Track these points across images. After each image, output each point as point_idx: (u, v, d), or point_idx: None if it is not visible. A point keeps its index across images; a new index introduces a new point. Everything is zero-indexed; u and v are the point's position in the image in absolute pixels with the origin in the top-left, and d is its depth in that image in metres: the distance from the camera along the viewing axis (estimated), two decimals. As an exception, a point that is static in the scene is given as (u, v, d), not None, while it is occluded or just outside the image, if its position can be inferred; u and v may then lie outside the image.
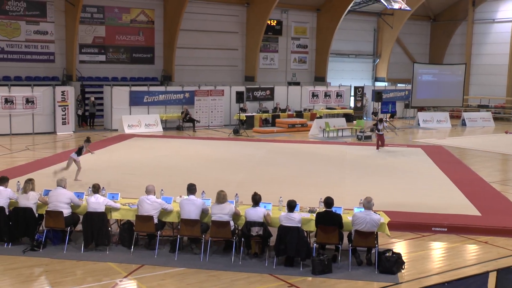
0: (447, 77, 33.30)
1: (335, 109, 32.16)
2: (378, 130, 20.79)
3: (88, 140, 14.84)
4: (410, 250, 9.99)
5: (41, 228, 9.81)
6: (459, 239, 10.57)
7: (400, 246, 10.14)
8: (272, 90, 30.74)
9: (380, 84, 38.19)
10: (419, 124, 30.92)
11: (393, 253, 8.92)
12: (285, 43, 35.58)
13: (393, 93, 34.64)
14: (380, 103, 29.82)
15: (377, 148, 20.79)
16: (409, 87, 33.70)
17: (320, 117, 29.27)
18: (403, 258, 8.91)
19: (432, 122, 31.09)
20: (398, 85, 36.63)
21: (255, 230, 9.03)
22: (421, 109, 34.21)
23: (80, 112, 26.39)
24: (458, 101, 33.90)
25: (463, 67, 33.77)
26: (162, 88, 27.88)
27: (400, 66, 40.72)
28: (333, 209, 9.20)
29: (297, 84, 34.78)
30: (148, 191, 9.55)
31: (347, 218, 9.33)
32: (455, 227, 10.98)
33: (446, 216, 11.62)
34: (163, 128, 26.51)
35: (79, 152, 14.33)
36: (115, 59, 29.75)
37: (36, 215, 9.67)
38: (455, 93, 33.38)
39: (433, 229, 10.96)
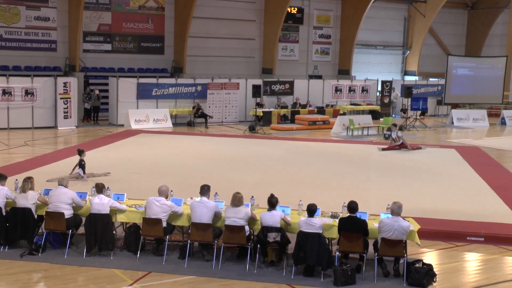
0: (485, 71, 32.99)
1: (360, 105, 32.03)
2: (392, 138, 20.83)
3: (81, 153, 14.52)
4: (442, 261, 9.91)
5: (40, 231, 9.88)
6: (497, 250, 10.46)
7: (431, 256, 10.06)
8: (291, 83, 30.70)
9: (410, 78, 37.95)
10: (453, 123, 30.68)
11: (424, 264, 8.86)
12: (306, 33, 35.52)
13: (424, 88, 34.40)
14: (409, 99, 29.64)
15: (413, 148, 20.76)
16: (442, 81, 33.46)
17: (344, 114, 29.19)
18: (435, 269, 8.83)
19: (467, 121, 30.82)
20: (430, 79, 36.36)
21: (272, 236, 9.02)
22: (455, 106, 33.92)
23: (88, 106, 26.58)
24: (497, 97, 33.56)
25: (504, 60, 33.40)
26: (172, 81, 27.99)
27: (432, 59, 40.45)
28: (358, 215, 9.16)
29: (319, 77, 34.73)
30: (161, 192, 9.54)
31: (373, 224, 9.28)
32: (493, 237, 10.86)
33: (483, 225, 11.50)
34: (173, 124, 26.62)
35: (82, 166, 14.36)
36: (121, 49, 29.94)
37: (35, 216, 9.73)
38: (494, 88, 33.05)
39: (468, 238, 10.85)
